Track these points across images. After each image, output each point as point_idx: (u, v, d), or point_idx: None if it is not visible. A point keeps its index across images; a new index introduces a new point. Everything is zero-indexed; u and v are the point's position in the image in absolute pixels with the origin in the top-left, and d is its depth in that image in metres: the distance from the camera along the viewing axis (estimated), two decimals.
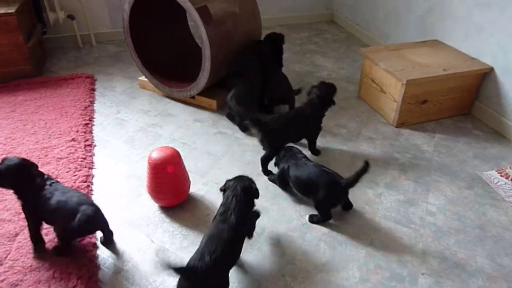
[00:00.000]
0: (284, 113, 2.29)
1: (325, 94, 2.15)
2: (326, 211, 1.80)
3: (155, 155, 1.75)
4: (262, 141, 2.07)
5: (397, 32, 3.36)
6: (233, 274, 1.56)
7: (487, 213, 1.90)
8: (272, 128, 2.04)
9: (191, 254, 1.62)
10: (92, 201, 1.66)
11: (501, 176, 2.10)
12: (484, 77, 2.53)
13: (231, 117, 2.52)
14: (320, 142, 2.33)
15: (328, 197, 1.76)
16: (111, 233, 1.69)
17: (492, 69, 2.45)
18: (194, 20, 2.29)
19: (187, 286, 1.32)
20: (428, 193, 2.01)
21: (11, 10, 2.81)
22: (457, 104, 2.59)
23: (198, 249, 1.39)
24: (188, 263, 1.34)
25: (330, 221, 1.82)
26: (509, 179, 2.08)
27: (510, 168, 2.15)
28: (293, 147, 2.02)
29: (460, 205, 1.94)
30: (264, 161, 2.09)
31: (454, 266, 1.63)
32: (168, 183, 1.77)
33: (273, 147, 2.04)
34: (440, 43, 2.81)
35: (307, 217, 1.84)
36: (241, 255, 1.59)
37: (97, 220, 1.55)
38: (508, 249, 1.71)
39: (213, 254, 1.32)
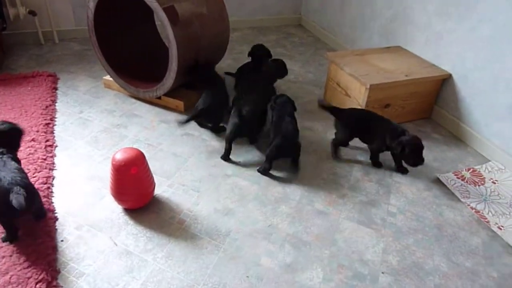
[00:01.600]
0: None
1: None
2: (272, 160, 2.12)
3: (119, 156, 1.71)
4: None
5: (362, 38, 3.46)
6: (198, 275, 1.56)
7: (444, 213, 1.98)
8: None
9: (155, 257, 1.61)
10: (26, 180, 1.57)
11: (457, 178, 2.20)
12: (443, 83, 2.64)
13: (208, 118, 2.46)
14: None
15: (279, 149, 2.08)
16: (43, 211, 1.74)
17: (450, 75, 2.57)
18: (161, 20, 2.27)
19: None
20: (389, 195, 2.07)
21: None
22: (418, 109, 2.69)
23: None
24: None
25: (296, 222, 1.85)
26: (465, 180, 2.18)
27: (466, 170, 2.26)
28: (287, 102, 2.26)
29: (419, 206, 2.02)
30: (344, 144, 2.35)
31: (413, 265, 1.69)
32: (132, 185, 1.74)
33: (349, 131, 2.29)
34: (402, 49, 2.91)
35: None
36: (205, 257, 1.59)
37: (29, 202, 1.50)
38: (463, 248, 1.79)
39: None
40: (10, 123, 1.76)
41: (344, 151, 2.37)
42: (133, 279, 1.53)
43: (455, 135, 2.61)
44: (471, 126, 2.50)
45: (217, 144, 2.35)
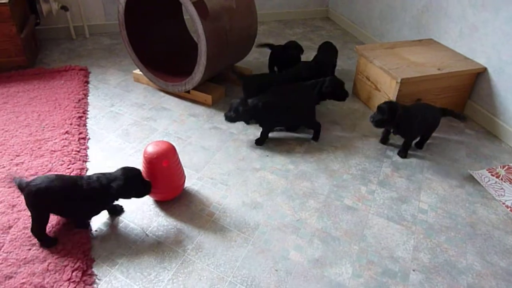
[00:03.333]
0: None
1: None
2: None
3: (151, 149, 1.74)
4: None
5: (392, 31, 3.38)
6: (227, 268, 1.57)
7: (478, 211, 1.93)
8: None
9: (186, 248, 1.64)
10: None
11: (491, 175, 2.14)
12: (478, 77, 2.56)
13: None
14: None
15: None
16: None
17: (485, 69, 2.48)
18: (191, 14, 2.29)
19: None
20: (420, 191, 2.03)
21: (4, 0, 2.77)
22: (450, 103, 2.62)
23: None
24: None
25: (324, 217, 1.84)
26: (500, 178, 2.12)
27: (500, 168, 2.19)
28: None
29: (452, 203, 1.97)
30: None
31: (445, 263, 1.66)
32: (163, 177, 1.77)
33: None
34: (435, 42, 2.83)
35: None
36: (235, 249, 1.61)
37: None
38: (497, 247, 1.74)
39: None
40: None
41: (373, 146, 2.34)
42: (164, 270, 1.56)
43: (489, 130, 2.53)
44: (506, 122, 2.41)
45: (245, 138, 2.36)
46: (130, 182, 1.64)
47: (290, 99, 2.27)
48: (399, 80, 2.34)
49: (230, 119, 2.21)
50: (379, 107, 2.14)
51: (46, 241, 1.61)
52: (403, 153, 2.26)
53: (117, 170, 1.66)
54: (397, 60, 2.55)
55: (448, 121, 2.61)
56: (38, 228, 1.60)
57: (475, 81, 2.58)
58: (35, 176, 1.61)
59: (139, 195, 1.72)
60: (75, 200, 1.58)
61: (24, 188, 1.53)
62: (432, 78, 2.42)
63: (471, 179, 2.12)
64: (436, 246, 1.74)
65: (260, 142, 2.31)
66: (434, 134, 2.45)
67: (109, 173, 1.64)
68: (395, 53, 2.66)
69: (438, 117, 2.24)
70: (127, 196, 1.68)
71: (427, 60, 2.55)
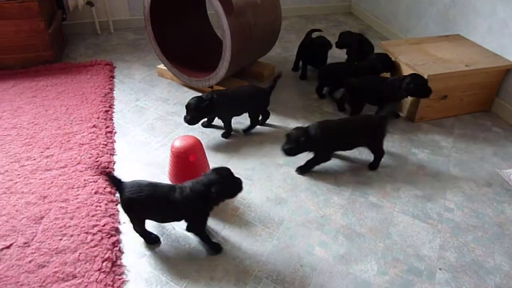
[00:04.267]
0: None
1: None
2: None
3: (178, 143, 1.77)
4: None
5: (418, 26, 3.33)
6: (252, 262, 1.59)
7: (506, 211, 1.89)
8: None
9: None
10: None
11: None
12: (507, 73, 2.50)
13: None
14: None
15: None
16: None
17: None
18: (216, 10, 2.30)
19: None
20: (446, 189, 2.01)
21: None
22: (477, 101, 2.57)
23: None
24: None
25: (349, 213, 1.83)
26: None
27: None
28: None
29: (478, 202, 1.94)
30: None
31: (472, 263, 1.64)
32: (190, 172, 1.79)
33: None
34: (462, 38, 2.78)
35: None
36: (260, 244, 1.63)
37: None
38: None
39: None
40: None
41: (398, 143, 2.32)
42: (191, 263, 1.59)
43: None
44: None
45: (267, 133, 2.36)
46: (227, 182, 1.55)
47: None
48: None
49: (290, 151, 1.97)
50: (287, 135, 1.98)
51: (147, 238, 1.66)
52: (302, 170, 2.08)
53: (209, 174, 1.55)
54: (423, 56, 2.52)
55: (474, 119, 2.56)
56: (137, 228, 1.64)
57: (504, 78, 2.52)
58: (130, 181, 1.56)
59: (235, 193, 1.60)
60: (168, 209, 1.56)
61: (117, 187, 1.54)
62: (459, 75, 2.38)
63: (499, 178, 2.09)
64: (463, 245, 1.71)
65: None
66: (459, 132, 2.42)
67: (200, 179, 1.54)
68: (421, 49, 2.62)
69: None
70: (225, 197, 1.58)
71: (455, 56, 2.50)
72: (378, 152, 2.11)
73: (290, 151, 1.97)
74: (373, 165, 2.12)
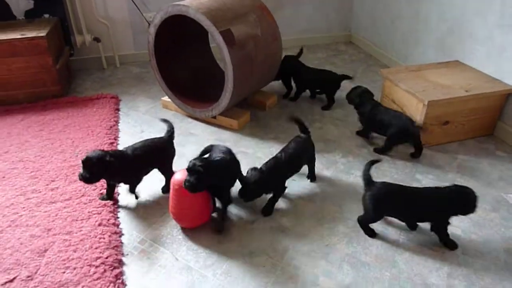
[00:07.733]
0: None
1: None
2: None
3: (179, 177, 1.78)
4: None
5: (416, 53, 3.38)
6: None
7: None
8: None
9: (215, 273, 1.64)
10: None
11: None
12: (508, 98, 2.51)
13: None
14: (341, 163, 2.35)
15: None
16: None
17: None
18: (218, 43, 2.36)
19: None
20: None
21: (42, 33, 2.94)
22: (480, 125, 2.57)
23: None
24: None
25: (354, 242, 1.81)
26: None
27: None
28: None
29: (486, 228, 1.91)
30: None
31: None
32: (190, 206, 1.80)
33: None
34: (461, 64, 2.81)
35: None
36: (264, 274, 1.60)
37: None
38: None
39: None
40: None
41: (401, 169, 2.31)
42: None
43: None
44: None
45: None
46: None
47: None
48: (426, 102, 2.32)
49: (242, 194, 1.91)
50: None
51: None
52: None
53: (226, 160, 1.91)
54: (423, 83, 2.55)
55: (478, 143, 2.56)
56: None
57: (505, 102, 2.53)
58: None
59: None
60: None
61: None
62: (459, 100, 2.40)
63: (505, 203, 2.06)
64: (471, 273, 1.68)
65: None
66: (463, 157, 2.41)
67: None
68: (421, 75, 2.66)
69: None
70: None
71: (454, 82, 2.53)
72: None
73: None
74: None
